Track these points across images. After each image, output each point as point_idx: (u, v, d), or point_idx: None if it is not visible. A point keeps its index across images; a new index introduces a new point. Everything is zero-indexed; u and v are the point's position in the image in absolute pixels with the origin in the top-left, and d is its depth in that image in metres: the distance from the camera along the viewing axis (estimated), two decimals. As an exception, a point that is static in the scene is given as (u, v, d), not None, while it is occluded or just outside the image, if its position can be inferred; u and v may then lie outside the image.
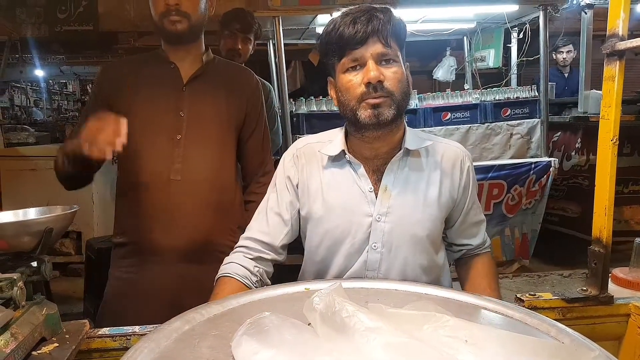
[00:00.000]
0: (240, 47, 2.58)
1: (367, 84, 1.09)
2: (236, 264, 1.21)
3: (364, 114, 1.11)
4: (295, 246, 1.33)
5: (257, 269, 1.22)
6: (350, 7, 1.14)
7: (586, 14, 3.70)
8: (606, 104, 1.06)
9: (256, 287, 1.18)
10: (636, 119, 3.83)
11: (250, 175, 1.68)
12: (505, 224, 3.55)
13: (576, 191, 3.96)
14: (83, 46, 5.40)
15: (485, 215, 3.28)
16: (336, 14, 1.17)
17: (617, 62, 1.03)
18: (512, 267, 3.69)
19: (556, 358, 0.62)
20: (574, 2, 3.63)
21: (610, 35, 1.04)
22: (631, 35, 1.03)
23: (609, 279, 1.59)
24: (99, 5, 4.84)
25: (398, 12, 1.17)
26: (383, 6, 1.13)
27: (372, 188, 1.19)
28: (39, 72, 7.47)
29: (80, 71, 7.95)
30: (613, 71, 1.05)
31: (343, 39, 1.10)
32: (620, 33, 1.02)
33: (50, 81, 10.29)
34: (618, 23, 1.03)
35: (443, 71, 4.52)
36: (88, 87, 9.79)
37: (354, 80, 1.11)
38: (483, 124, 3.49)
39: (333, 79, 1.20)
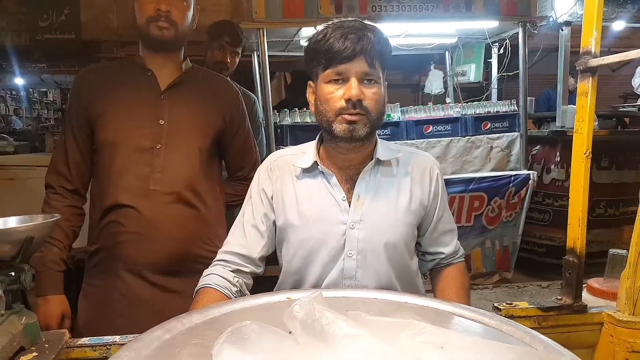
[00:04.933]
0: (228, 60, 2.61)
1: (347, 100, 1.13)
2: (216, 275, 1.21)
3: (340, 127, 1.15)
4: (273, 257, 1.34)
5: (236, 279, 1.22)
6: (343, 20, 1.17)
7: (563, 30, 3.81)
8: (580, 119, 1.10)
9: (236, 298, 1.18)
10: (609, 133, 3.92)
11: (232, 178, 1.71)
12: (485, 235, 3.60)
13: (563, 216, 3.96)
14: (65, 55, 5.33)
15: (466, 227, 3.32)
16: (325, 24, 1.18)
17: (590, 78, 1.07)
18: (492, 279, 3.73)
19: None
20: (552, 19, 3.74)
21: (583, 52, 1.08)
22: (608, 52, 1.07)
23: (585, 289, 1.64)
24: (82, 14, 4.79)
25: (381, 26, 1.20)
26: (374, 25, 1.17)
27: (345, 197, 1.22)
28: (19, 81, 7.38)
29: (62, 80, 7.86)
30: (586, 87, 1.08)
31: (331, 52, 1.13)
32: (593, 50, 1.07)
33: (31, 89, 10.15)
34: (591, 41, 1.07)
35: (435, 85, 4.60)
36: (69, 96, 9.67)
37: (334, 94, 1.15)
38: (464, 137, 3.56)
39: (313, 85, 1.23)
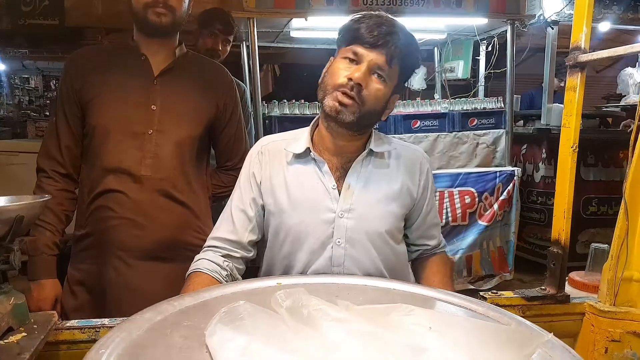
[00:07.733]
0: (220, 47, 2.60)
1: (349, 79, 1.13)
2: (206, 259, 1.22)
3: (329, 103, 1.15)
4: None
5: (226, 263, 1.23)
6: (381, 13, 1.18)
7: (552, 29, 3.85)
8: (567, 113, 1.12)
9: (226, 282, 1.19)
10: (590, 132, 3.97)
11: (220, 169, 1.70)
12: (483, 234, 3.54)
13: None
14: (48, 41, 5.22)
15: (462, 225, 3.38)
16: (369, 12, 1.20)
17: (579, 73, 1.09)
18: (492, 282, 3.63)
19: (512, 340, 0.66)
20: (541, 18, 3.78)
21: (573, 47, 1.10)
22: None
23: (566, 282, 1.67)
24: (66, 0, 4.71)
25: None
26: (411, 32, 1.18)
27: (336, 185, 1.22)
28: (0, 66, 7.23)
29: (44, 66, 7.73)
30: (575, 82, 1.11)
31: (357, 32, 1.15)
32: (583, 46, 1.09)
33: (12, 75, 9.94)
34: (581, 37, 1.09)
35: (416, 81, 4.61)
36: (51, 83, 9.50)
37: (341, 69, 1.15)
38: (451, 132, 3.58)
39: (332, 60, 1.23)
